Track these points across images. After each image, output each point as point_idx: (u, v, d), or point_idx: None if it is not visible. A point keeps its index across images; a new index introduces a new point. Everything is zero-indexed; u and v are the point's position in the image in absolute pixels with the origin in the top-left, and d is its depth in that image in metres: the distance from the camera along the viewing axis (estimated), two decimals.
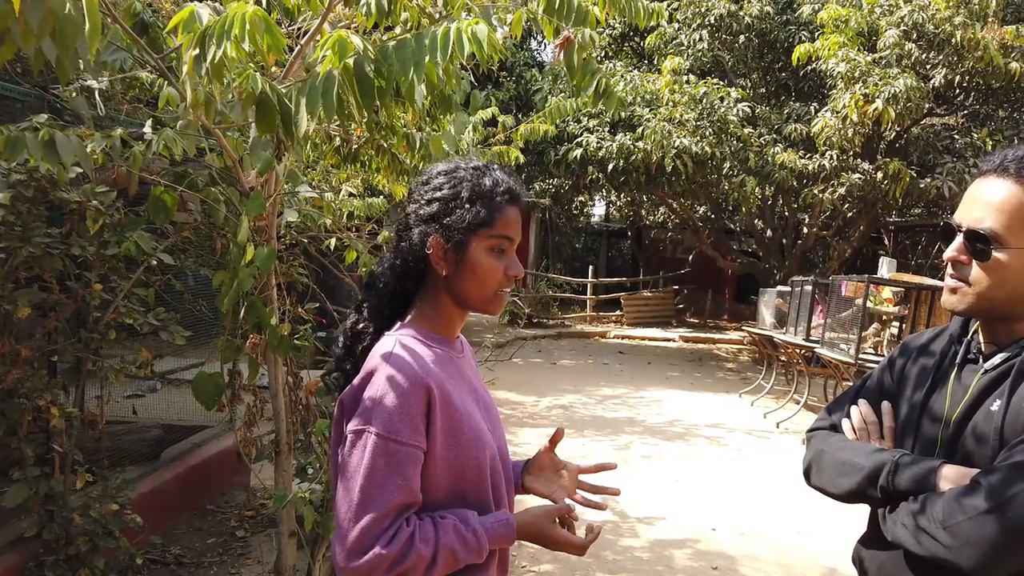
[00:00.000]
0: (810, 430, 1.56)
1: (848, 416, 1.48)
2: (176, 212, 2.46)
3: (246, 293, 2.35)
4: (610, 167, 11.30)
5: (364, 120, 2.64)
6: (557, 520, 1.39)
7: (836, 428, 1.49)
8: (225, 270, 2.39)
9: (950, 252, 1.33)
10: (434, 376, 1.28)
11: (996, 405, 1.25)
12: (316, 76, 1.54)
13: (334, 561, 1.25)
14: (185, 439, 4.42)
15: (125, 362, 3.13)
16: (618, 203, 19.77)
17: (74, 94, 2.59)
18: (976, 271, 1.29)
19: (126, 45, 2.21)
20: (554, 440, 1.55)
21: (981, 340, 1.36)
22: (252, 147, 2.18)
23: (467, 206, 1.32)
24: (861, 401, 1.49)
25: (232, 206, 2.50)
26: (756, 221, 14.15)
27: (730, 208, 14.08)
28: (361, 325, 1.40)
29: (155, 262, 2.92)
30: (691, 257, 19.28)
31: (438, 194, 1.34)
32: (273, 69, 2.48)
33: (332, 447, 1.35)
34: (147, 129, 2.29)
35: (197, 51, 1.47)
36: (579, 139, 11.57)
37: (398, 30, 2.24)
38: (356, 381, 1.29)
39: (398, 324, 1.38)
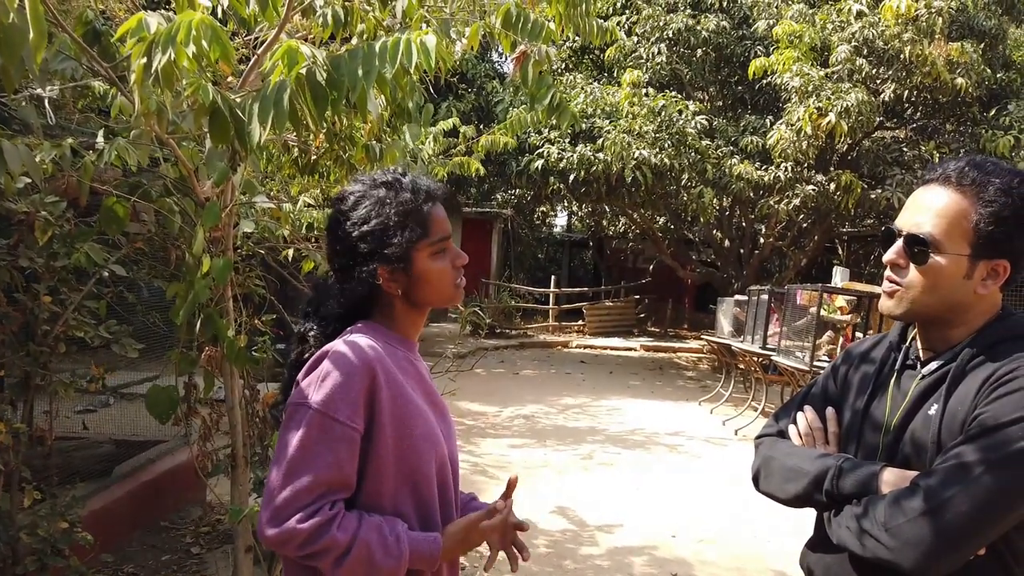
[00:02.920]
0: (758, 436, 1.60)
1: (794, 422, 1.52)
2: (129, 223, 2.42)
3: (202, 305, 2.32)
4: (571, 178, 11.41)
5: (323, 130, 2.64)
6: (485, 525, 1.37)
7: (783, 434, 1.53)
8: (180, 281, 2.35)
9: (889, 255, 1.36)
10: (384, 364, 1.29)
11: (933, 410, 1.30)
12: (268, 86, 1.54)
13: (258, 528, 1.23)
14: (138, 454, 4.33)
15: (75, 376, 3.06)
16: (580, 213, 19.94)
17: (24, 103, 2.53)
18: (913, 275, 1.33)
19: (74, 53, 2.17)
20: (509, 489, 1.46)
21: (919, 346, 1.41)
22: (208, 157, 2.16)
23: (400, 231, 1.33)
24: (807, 407, 1.52)
25: (187, 217, 2.47)
26: (714, 231, 14.40)
27: (689, 219, 14.29)
28: (307, 356, 1.37)
29: (107, 274, 2.86)
30: (652, 267, 19.50)
31: (366, 228, 1.33)
32: (231, 80, 2.46)
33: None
34: (99, 139, 2.25)
35: (145, 59, 1.45)
36: (540, 150, 11.66)
37: (355, 41, 2.24)
38: (307, 365, 1.30)
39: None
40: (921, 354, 1.40)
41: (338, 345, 1.29)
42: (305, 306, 1.44)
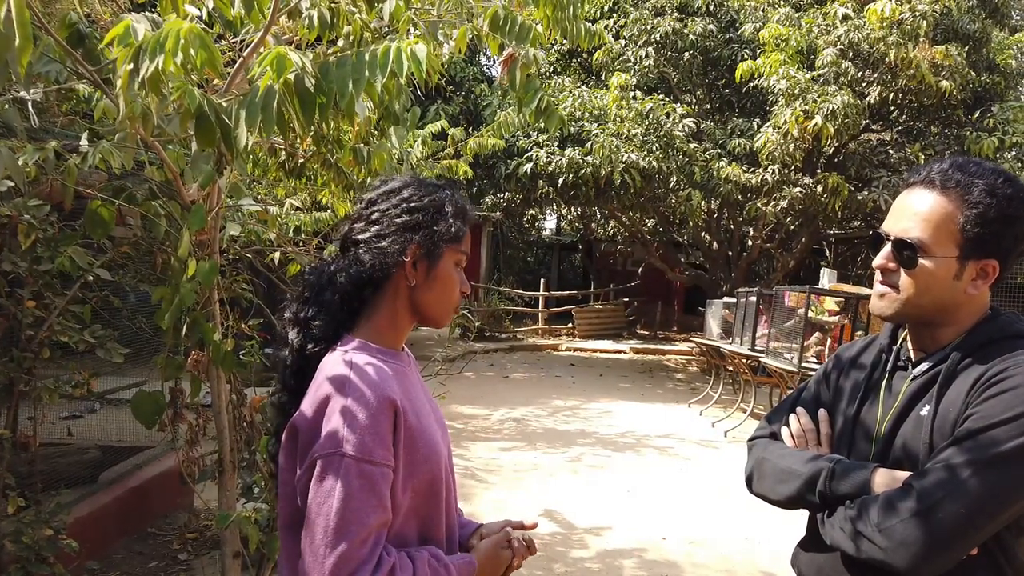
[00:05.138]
0: (751, 439, 1.60)
1: (787, 424, 1.52)
2: (114, 227, 2.39)
3: (188, 309, 2.30)
4: (560, 181, 11.41)
5: (311, 134, 2.63)
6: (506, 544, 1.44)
7: (776, 436, 1.53)
8: (166, 285, 2.33)
9: (879, 260, 1.37)
10: (396, 392, 1.27)
11: (925, 411, 1.30)
12: (256, 91, 1.53)
13: None
14: (125, 460, 4.29)
15: (60, 382, 3.03)
16: (569, 217, 19.96)
17: (7, 106, 2.51)
18: (903, 278, 1.33)
19: (59, 56, 2.15)
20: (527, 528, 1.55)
21: (910, 347, 1.42)
22: (193, 160, 2.14)
23: (451, 219, 1.35)
24: (799, 409, 1.53)
25: (173, 220, 2.45)
26: (703, 234, 14.44)
27: (677, 221, 14.34)
28: (307, 340, 1.34)
29: (92, 278, 2.83)
30: (641, 269, 19.54)
31: (417, 204, 1.34)
32: (216, 82, 2.45)
33: (281, 473, 1.30)
34: (83, 142, 2.23)
35: (131, 65, 1.44)
36: (529, 153, 11.66)
37: (341, 43, 2.23)
38: (310, 406, 1.25)
39: (345, 337, 1.34)
40: (912, 355, 1.41)
41: (345, 375, 1.25)
42: (303, 290, 1.39)
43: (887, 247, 1.35)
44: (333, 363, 1.28)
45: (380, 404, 1.22)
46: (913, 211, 1.32)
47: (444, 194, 1.37)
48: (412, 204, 1.34)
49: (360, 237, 1.35)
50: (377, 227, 1.34)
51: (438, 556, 1.29)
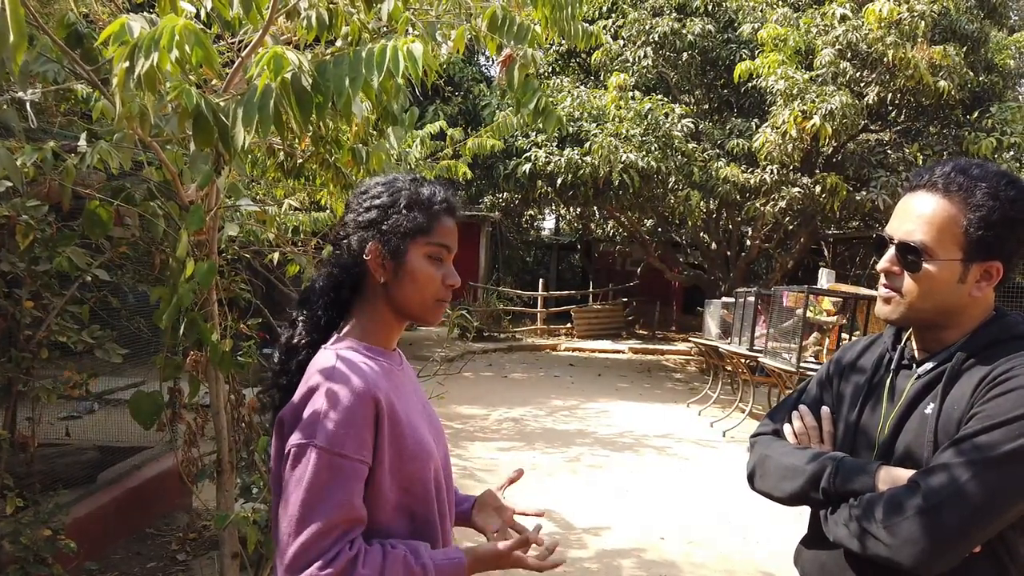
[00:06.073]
0: (753, 436, 1.60)
1: (789, 422, 1.52)
2: (113, 227, 2.39)
3: (186, 309, 2.30)
4: (559, 181, 11.41)
5: (309, 133, 2.63)
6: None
7: (779, 434, 1.54)
8: (164, 285, 2.33)
9: (883, 264, 1.38)
10: (381, 388, 1.27)
11: (930, 409, 1.31)
12: (254, 90, 1.53)
13: None
14: (123, 461, 4.29)
15: (58, 382, 3.03)
16: (568, 217, 19.96)
17: (5, 106, 2.50)
18: (908, 282, 1.34)
19: (57, 56, 2.15)
20: (511, 480, 1.61)
21: (914, 347, 1.42)
22: (192, 160, 2.14)
23: (405, 211, 1.33)
24: (802, 407, 1.53)
25: (171, 220, 2.45)
26: (701, 234, 14.45)
27: (676, 221, 14.34)
28: (295, 339, 1.37)
29: (90, 278, 2.83)
30: (639, 269, 19.53)
31: (376, 201, 1.35)
32: (215, 83, 2.45)
33: (272, 465, 1.31)
34: (82, 142, 2.23)
35: (127, 63, 1.44)
36: (528, 154, 11.65)
37: (339, 43, 2.23)
38: (296, 397, 1.26)
39: (334, 337, 1.36)
40: (916, 354, 1.41)
41: (331, 368, 1.25)
42: (301, 293, 1.44)
43: (891, 251, 1.36)
44: (322, 357, 1.30)
45: (359, 398, 1.22)
46: (916, 214, 1.33)
47: (403, 188, 1.36)
48: (372, 202, 1.35)
49: (336, 240, 1.40)
50: (345, 228, 1.38)
51: (417, 553, 1.24)
